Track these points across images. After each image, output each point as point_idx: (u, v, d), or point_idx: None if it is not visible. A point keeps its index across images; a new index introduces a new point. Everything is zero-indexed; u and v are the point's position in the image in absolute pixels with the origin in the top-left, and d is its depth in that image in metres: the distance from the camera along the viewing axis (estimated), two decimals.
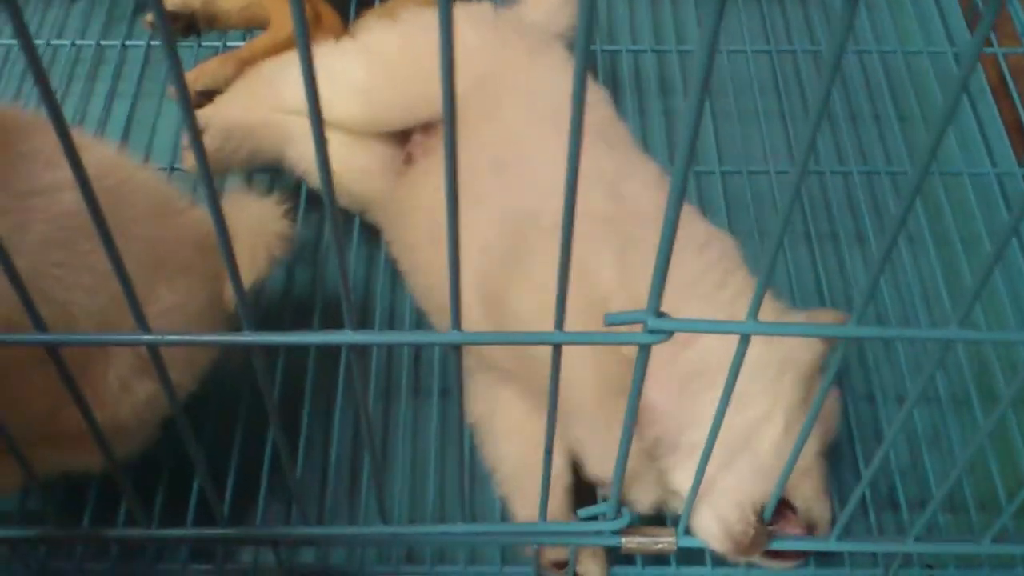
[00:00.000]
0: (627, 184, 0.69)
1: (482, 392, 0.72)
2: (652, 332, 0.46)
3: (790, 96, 0.99)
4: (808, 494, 0.63)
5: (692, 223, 0.69)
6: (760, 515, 0.60)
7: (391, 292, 0.85)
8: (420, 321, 0.82)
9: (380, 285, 0.85)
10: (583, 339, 0.48)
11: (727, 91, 0.98)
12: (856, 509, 0.59)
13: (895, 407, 0.79)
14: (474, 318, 0.67)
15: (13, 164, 0.57)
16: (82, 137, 0.60)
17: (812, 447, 0.63)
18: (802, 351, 0.64)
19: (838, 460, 0.75)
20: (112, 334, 0.54)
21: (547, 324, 0.46)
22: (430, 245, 0.73)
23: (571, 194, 0.39)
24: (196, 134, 0.38)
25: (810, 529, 0.62)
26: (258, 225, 0.70)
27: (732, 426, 0.56)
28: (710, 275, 0.65)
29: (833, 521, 0.63)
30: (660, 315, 0.46)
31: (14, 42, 0.97)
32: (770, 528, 0.61)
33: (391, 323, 0.83)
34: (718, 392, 0.51)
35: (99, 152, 0.65)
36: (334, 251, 0.39)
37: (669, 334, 0.47)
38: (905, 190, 0.39)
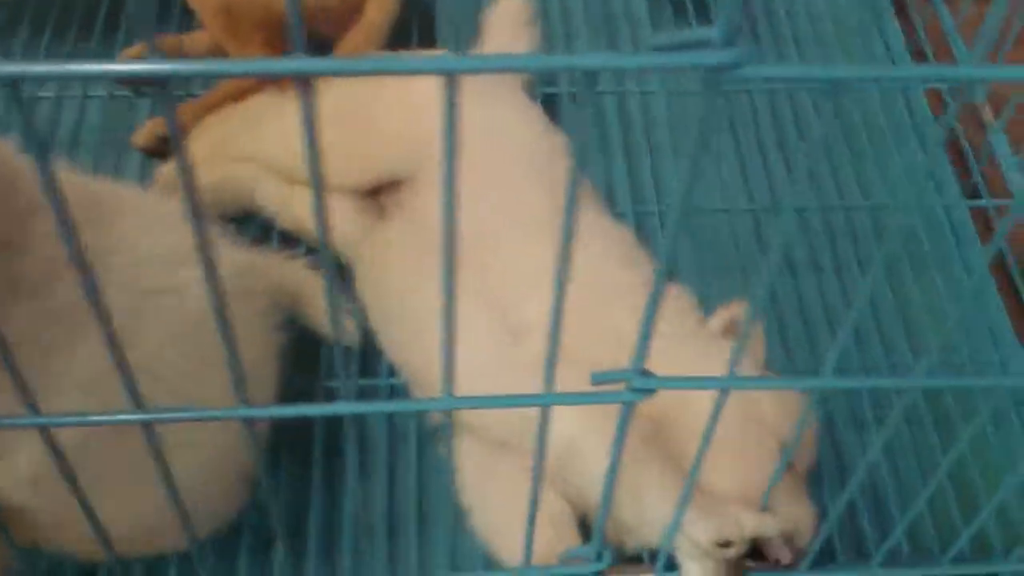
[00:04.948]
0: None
1: (471, 454, 0.73)
2: (636, 391, 0.48)
3: (746, 132, 1.02)
4: (774, 504, 0.64)
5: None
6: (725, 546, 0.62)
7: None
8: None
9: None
10: (570, 400, 0.50)
11: (681, 129, 1.01)
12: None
13: (854, 433, 0.82)
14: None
15: (131, 262, 0.59)
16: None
17: (772, 460, 0.65)
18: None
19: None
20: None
21: None
22: (400, 320, 0.74)
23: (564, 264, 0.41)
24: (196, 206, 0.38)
25: (789, 538, 0.64)
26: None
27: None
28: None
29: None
30: (644, 373, 0.48)
31: None
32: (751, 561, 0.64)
33: (364, 361, 0.83)
34: None
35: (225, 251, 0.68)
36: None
37: (653, 392, 0.49)
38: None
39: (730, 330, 0.72)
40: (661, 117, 1.02)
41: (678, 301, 0.74)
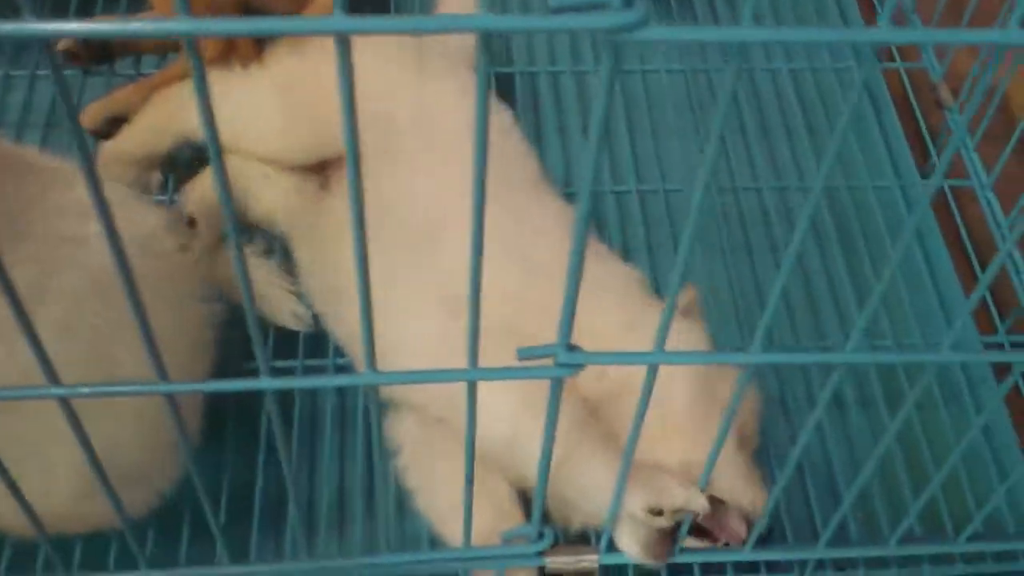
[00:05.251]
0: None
1: (412, 434, 0.73)
2: (563, 366, 0.48)
3: (705, 114, 1.02)
4: (729, 485, 0.65)
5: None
6: (659, 515, 0.61)
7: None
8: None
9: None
10: (497, 375, 0.49)
11: (642, 109, 1.00)
12: (771, 515, 0.62)
13: (806, 409, 0.82)
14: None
15: (48, 213, 0.58)
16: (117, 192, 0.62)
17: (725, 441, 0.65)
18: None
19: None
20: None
21: None
22: (346, 297, 0.73)
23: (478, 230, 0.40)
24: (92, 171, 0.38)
25: (746, 517, 0.64)
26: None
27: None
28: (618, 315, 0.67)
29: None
30: (571, 348, 0.47)
31: None
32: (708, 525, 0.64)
33: (315, 345, 0.82)
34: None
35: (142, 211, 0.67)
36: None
37: (580, 367, 0.48)
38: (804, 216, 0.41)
39: (685, 312, 0.72)
40: (616, 94, 1.01)
41: (628, 279, 0.73)
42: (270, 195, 0.80)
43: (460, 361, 0.48)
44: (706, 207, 0.94)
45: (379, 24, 0.33)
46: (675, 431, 0.65)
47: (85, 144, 0.36)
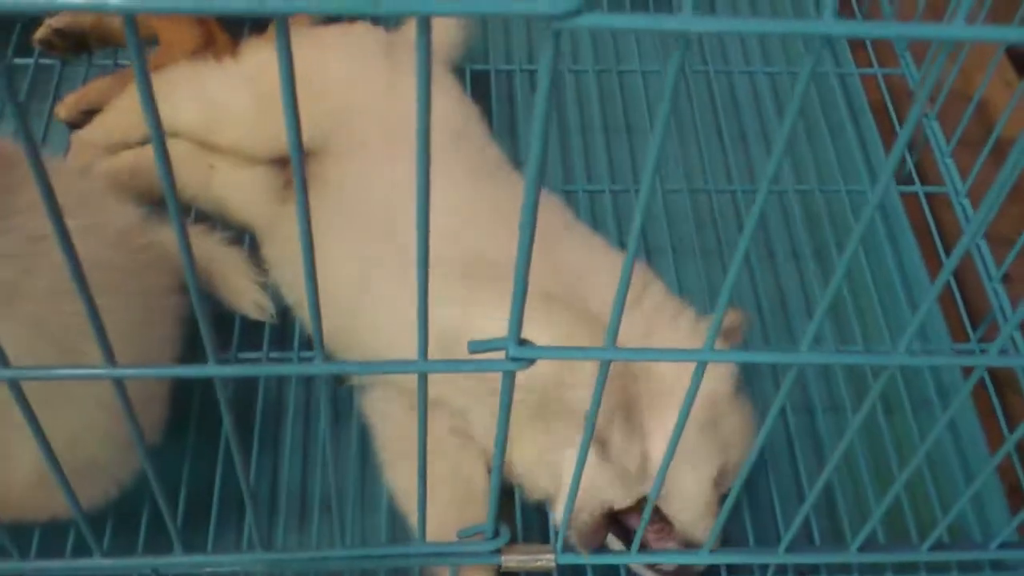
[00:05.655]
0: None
1: (386, 412, 0.72)
2: (514, 360, 0.48)
3: (680, 115, 1.02)
4: (686, 513, 0.65)
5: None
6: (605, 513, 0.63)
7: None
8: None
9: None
10: (447, 367, 0.49)
11: (617, 110, 1.00)
12: (733, 518, 0.62)
13: (777, 418, 0.82)
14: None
15: (24, 209, 0.58)
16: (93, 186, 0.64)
17: (706, 472, 0.65)
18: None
19: None
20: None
21: None
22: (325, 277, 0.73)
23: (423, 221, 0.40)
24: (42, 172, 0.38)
25: (687, 547, 0.64)
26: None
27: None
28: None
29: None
30: (522, 342, 0.47)
31: None
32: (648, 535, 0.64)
33: (282, 339, 0.81)
34: None
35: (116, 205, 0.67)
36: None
37: (531, 361, 0.48)
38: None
39: (728, 333, 0.71)
40: (592, 94, 1.01)
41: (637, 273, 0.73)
42: (235, 186, 0.80)
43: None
44: (680, 209, 0.94)
45: (318, 4, 0.32)
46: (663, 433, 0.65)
47: (31, 137, 0.36)
